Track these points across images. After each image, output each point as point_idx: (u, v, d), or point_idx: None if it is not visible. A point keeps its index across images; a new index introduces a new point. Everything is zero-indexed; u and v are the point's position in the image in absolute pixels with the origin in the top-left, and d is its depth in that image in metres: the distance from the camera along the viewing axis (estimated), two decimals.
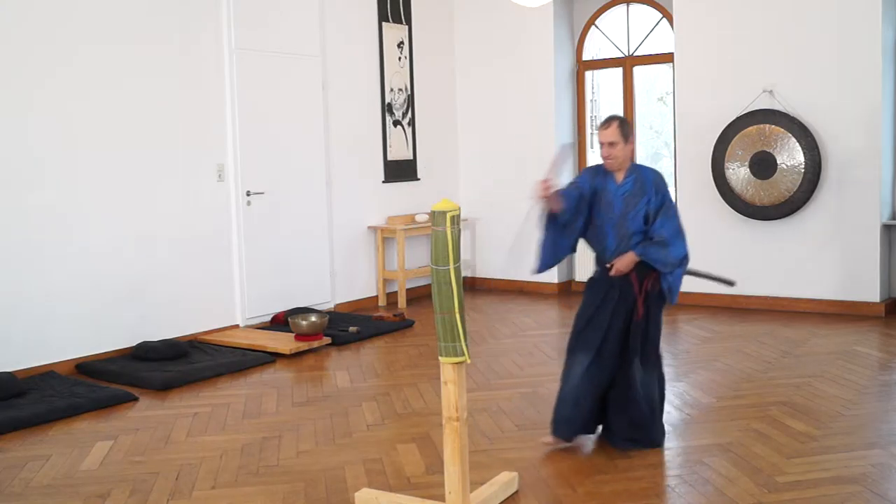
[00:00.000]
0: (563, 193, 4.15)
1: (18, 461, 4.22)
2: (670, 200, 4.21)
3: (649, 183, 4.15)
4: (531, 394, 5.10)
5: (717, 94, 7.45)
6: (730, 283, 4.75)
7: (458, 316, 3.26)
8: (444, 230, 3.22)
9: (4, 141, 5.56)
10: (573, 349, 4.25)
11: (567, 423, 4.18)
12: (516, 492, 3.68)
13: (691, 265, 4.36)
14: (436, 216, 3.22)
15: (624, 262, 4.11)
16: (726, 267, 7.40)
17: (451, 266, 3.24)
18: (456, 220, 3.26)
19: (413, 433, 4.48)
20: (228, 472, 4.01)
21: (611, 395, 4.19)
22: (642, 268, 4.14)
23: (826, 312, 7.10)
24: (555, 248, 4.25)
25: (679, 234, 4.17)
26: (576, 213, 4.20)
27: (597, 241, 4.25)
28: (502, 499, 3.59)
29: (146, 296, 6.32)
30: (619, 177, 4.19)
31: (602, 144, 4.15)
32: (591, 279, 4.29)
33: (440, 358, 3.34)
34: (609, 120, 4.17)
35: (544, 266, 4.28)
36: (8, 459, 4.25)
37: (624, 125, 4.14)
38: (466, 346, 3.31)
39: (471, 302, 8.11)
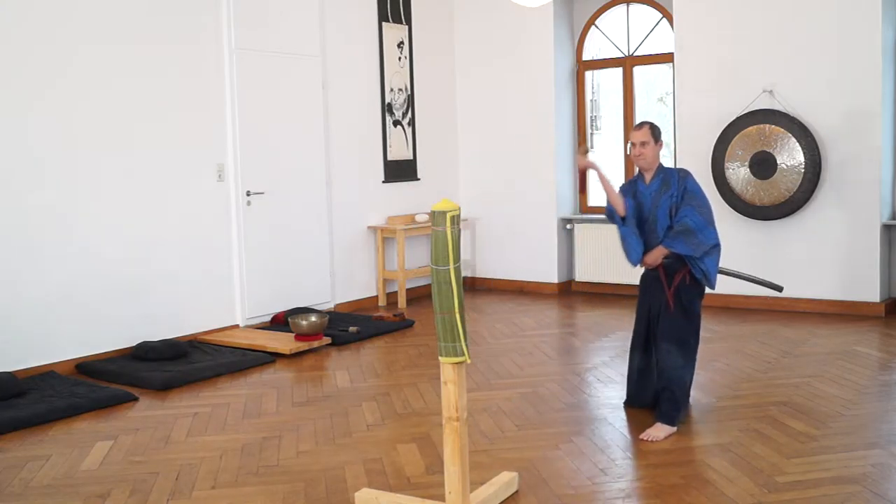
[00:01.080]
0: (622, 191, 4.65)
1: (18, 461, 4.22)
2: (696, 193, 4.53)
3: (674, 179, 4.55)
4: (531, 394, 5.10)
5: (717, 94, 7.45)
6: (778, 289, 5.24)
7: (458, 316, 3.26)
8: (444, 230, 3.22)
9: (4, 141, 5.56)
10: (631, 346, 4.79)
11: (632, 400, 4.79)
12: (516, 492, 3.68)
13: (740, 270, 4.90)
14: (436, 216, 3.22)
15: (653, 256, 4.54)
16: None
17: (451, 266, 3.24)
18: (456, 220, 3.26)
19: (413, 433, 4.48)
20: (228, 472, 4.01)
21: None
22: (671, 264, 4.53)
23: (826, 312, 7.10)
24: (638, 237, 4.58)
25: (708, 223, 4.48)
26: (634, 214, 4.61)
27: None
28: (502, 499, 3.59)
29: (146, 296, 6.32)
30: (648, 177, 4.62)
31: (633, 144, 4.59)
32: (641, 278, 4.78)
33: (440, 358, 3.34)
34: (642, 123, 4.64)
35: (640, 256, 4.59)
36: (8, 459, 4.25)
37: (655, 128, 4.60)
38: (466, 346, 3.30)
39: (471, 302, 8.12)
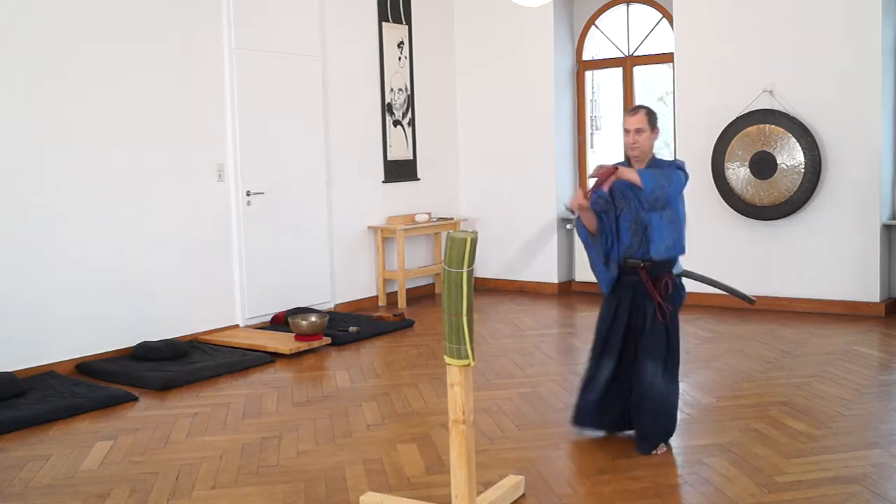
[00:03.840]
0: (592, 205, 4.15)
1: (18, 461, 4.22)
2: (680, 178, 4.09)
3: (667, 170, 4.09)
4: (531, 394, 5.10)
5: (717, 94, 7.45)
6: (750, 301, 4.67)
7: (464, 319, 3.21)
8: (463, 238, 3.19)
9: (5, 141, 5.56)
10: (599, 354, 4.25)
11: (591, 422, 4.29)
12: (522, 495, 3.66)
13: (717, 278, 4.46)
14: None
15: (626, 174, 3.99)
16: (726, 267, 7.42)
17: (465, 269, 3.20)
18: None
19: (413, 433, 4.48)
20: (228, 472, 4.01)
21: (632, 398, 4.19)
22: (654, 270, 4.08)
23: (826, 312, 7.10)
24: (607, 262, 4.20)
25: (681, 228, 4.10)
26: (603, 215, 4.17)
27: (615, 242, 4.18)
28: (509, 503, 3.56)
29: (146, 296, 6.31)
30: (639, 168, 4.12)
31: (628, 132, 4.12)
32: (616, 281, 4.23)
33: (445, 358, 3.32)
34: (637, 108, 4.18)
35: (610, 283, 4.21)
36: (8, 459, 4.25)
37: (651, 114, 4.15)
38: (472, 349, 3.25)
39: None
